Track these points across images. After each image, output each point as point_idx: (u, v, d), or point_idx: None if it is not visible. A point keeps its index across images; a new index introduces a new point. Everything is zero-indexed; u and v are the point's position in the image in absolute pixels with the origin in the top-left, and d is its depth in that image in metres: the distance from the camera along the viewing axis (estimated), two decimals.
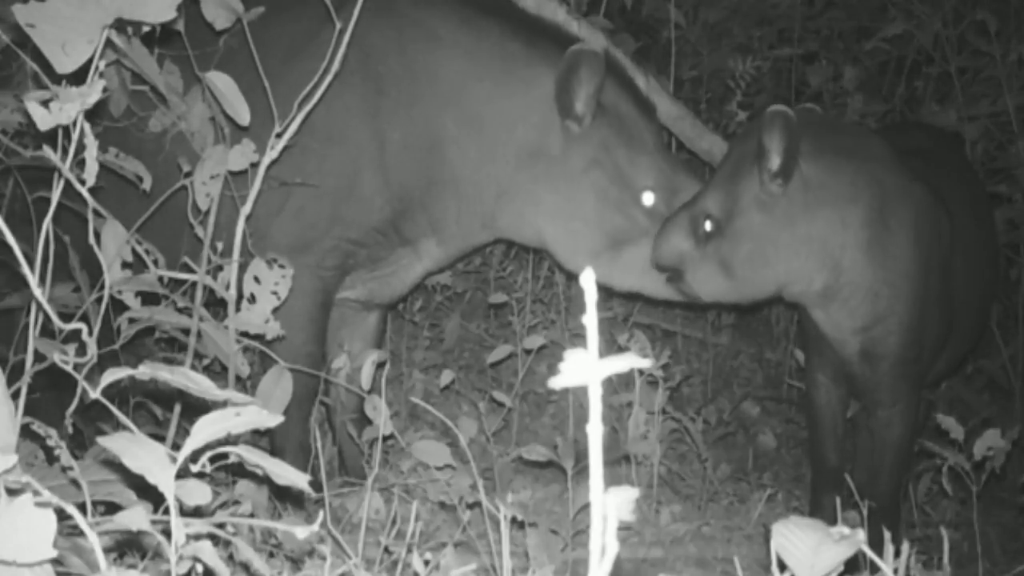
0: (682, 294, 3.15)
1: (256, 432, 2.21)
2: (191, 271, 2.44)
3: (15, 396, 1.85)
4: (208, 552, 1.39)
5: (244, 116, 2.46)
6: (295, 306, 2.78)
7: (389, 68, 2.98)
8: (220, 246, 2.46)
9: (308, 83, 2.58)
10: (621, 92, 3.14)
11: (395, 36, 3.01)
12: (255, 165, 2.52)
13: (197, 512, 1.48)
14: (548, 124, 3.03)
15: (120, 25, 2.05)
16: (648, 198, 3.10)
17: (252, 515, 2.18)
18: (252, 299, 2.53)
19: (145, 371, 1.47)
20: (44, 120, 1.85)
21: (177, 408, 2.39)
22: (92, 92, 1.85)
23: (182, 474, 1.36)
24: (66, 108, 1.85)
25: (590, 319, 1.02)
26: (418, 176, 3.04)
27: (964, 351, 3.70)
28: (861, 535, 1.41)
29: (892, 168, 3.18)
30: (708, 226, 3.01)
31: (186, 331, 2.39)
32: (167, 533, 1.37)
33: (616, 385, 3.47)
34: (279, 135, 2.52)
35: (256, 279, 2.54)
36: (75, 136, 1.94)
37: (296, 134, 2.61)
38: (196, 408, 1.55)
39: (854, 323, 3.13)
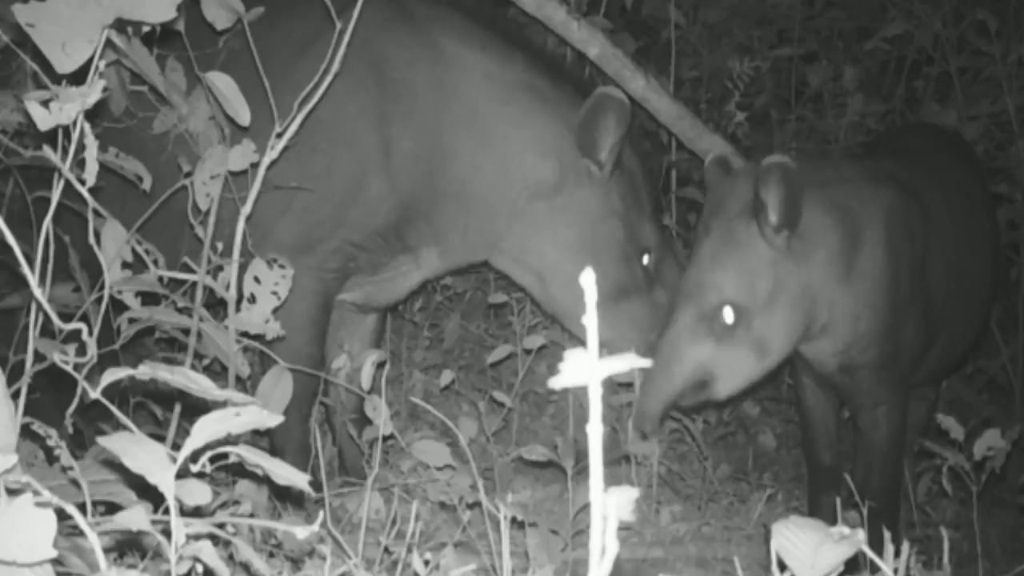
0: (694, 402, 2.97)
1: (256, 432, 2.21)
2: (191, 271, 2.44)
3: (15, 396, 1.85)
4: (208, 552, 1.39)
5: (244, 116, 2.45)
6: (296, 307, 2.79)
7: (403, 77, 2.99)
8: (220, 246, 2.45)
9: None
10: (633, 152, 3.22)
11: (412, 46, 3.01)
12: (257, 164, 2.52)
13: (197, 512, 1.48)
14: (573, 161, 3.08)
15: (120, 25, 2.05)
16: (646, 259, 3.19)
17: (252, 515, 2.18)
18: (252, 299, 2.53)
19: (145, 371, 1.47)
20: (44, 120, 1.85)
21: (177, 408, 2.39)
22: (92, 92, 1.84)
23: (182, 474, 1.36)
24: (66, 108, 1.85)
25: (590, 319, 1.02)
26: (424, 186, 3.04)
27: (962, 348, 3.66)
28: (861, 535, 1.41)
29: (852, 182, 3.08)
30: (729, 316, 2.79)
31: (186, 331, 2.39)
32: (167, 533, 1.37)
33: (616, 385, 3.46)
34: (279, 135, 2.51)
35: (256, 279, 2.54)
36: (75, 136, 1.94)
37: (306, 134, 2.62)
38: (196, 408, 1.55)
39: (835, 348, 3.08)
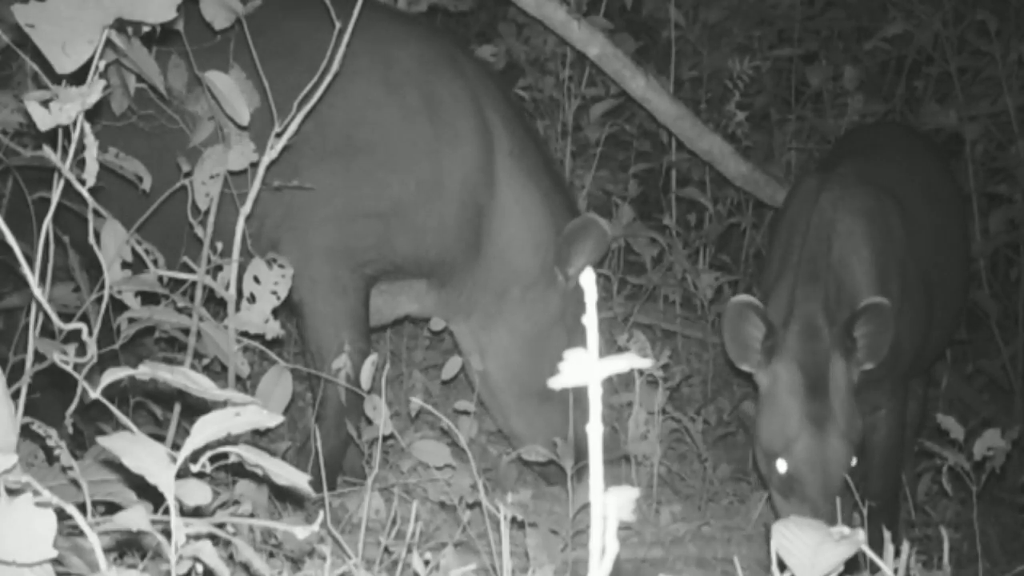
0: None
1: (256, 432, 2.21)
2: (191, 271, 2.44)
3: (15, 396, 1.85)
4: (208, 552, 1.39)
5: (244, 116, 2.45)
6: (339, 305, 2.97)
7: (455, 124, 3.12)
8: (220, 246, 2.45)
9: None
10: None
11: (464, 100, 3.15)
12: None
13: (197, 512, 1.48)
14: (551, 263, 3.27)
15: (120, 25, 2.05)
16: None
17: (252, 515, 2.18)
18: (252, 299, 2.53)
19: (145, 371, 1.47)
20: (44, 120, 1.85)
21: (177, 408, 2.39)
22: (92, 92, 1.84)
23: (182, 474, 1.36)
24: (66, 108, 1.85)
25: (590, 319, 1.02)
26: (467, 233, 3.16)
27: (942, 337, 3.62)
28: (861, 535, 1.41)
29: (833, 232, 3.01)
30: (853, 460, 2.85)
31: (186, 331, 2.38)
32: (167, 533, 1.37)
33: (616, 385, 3.46)
34: (278, 135, 2.51)
35: (256, 279, 2.53)
36: (75, 136, 1.93)
37: (352, 154, 2.90)
38: (196, 408, 1.55)
39: None
